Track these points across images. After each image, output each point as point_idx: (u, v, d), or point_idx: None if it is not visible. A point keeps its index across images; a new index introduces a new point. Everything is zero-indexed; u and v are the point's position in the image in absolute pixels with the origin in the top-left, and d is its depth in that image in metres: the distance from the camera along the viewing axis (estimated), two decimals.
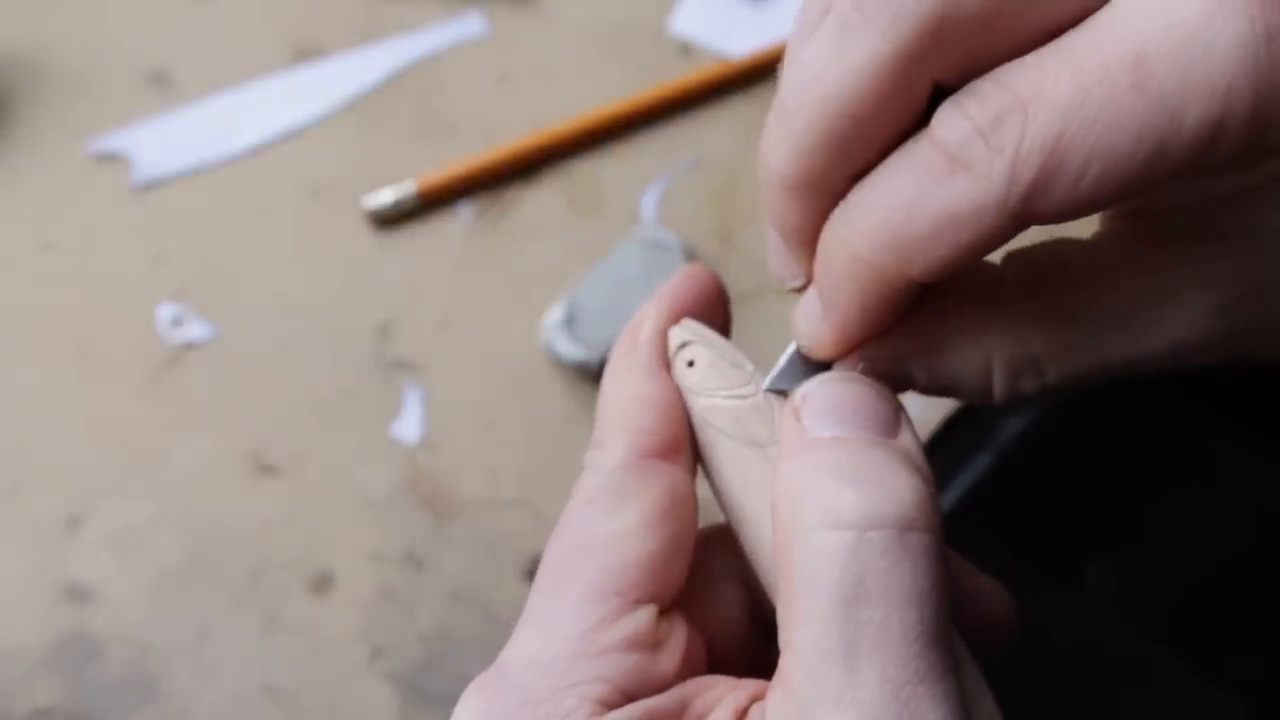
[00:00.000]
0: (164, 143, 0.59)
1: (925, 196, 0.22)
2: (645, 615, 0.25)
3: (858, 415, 0.25)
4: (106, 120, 0.59)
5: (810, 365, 0.27)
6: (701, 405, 0.27)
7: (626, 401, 0.28)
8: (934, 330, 0.26)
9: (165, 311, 0.54)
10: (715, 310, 0.30)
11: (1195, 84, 0.21)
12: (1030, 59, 0.22)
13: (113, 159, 0.59)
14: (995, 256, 0.26)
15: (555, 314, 0.52)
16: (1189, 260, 0.25)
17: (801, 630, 0.22)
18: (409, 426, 0.51)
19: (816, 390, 0.25)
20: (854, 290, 0.25)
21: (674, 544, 0.26)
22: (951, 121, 0.22)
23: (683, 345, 0.28)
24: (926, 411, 0.50)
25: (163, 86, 0.61)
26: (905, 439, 0.25)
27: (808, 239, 0.25)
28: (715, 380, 0.27)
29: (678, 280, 0.30)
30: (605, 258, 0.53)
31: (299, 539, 0.49)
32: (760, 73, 0.60)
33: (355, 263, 0.55)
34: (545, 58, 0.61)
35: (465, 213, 0.56)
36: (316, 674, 0.46)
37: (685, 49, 0.61)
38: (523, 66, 0.61)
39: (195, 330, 0.54)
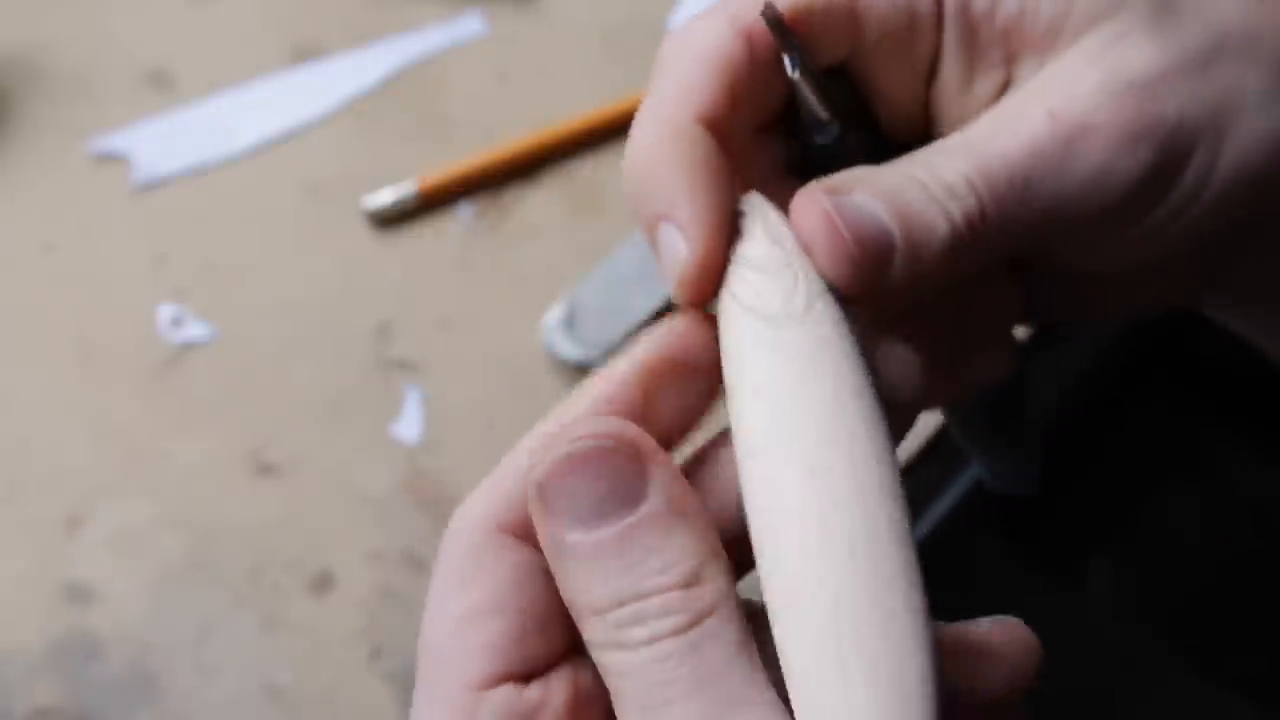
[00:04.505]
0: (164, 143, 0.59)
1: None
2: (500, 696, 0.25)
3: (605, 497, 0.23)
4: (106, 120, 0.59)
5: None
6: (728, 272, 0.26)
7: (517, 463, 0.26)
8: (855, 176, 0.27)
9: (165, 312, 0.54)
10: (697, 363, 0.27)
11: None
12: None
13: (113, 159, 0.59)
14: None
15: (555, 314, 0.52)
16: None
17: None
18: (409, 426, 0.51)
19: (551, 473, 0.24)
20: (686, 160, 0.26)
21: (529, 616, 0.25)
22: None
23: (739, 215, 0.26)
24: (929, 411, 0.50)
25: (163, 86, 0.61)
26: (654, 498, 0.24)
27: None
28: (745, 246, 0.26)
29: (647, 336, 0.27)
30: (605, 258, 0.53)
31: (299, 539, 0.49)
32: None
33: (355, 263, 0.55)
34: (545, 58, 0.61)
35: (465, 213, 0.56)
36: (316, 674, 0.46)
37: None
38: (523, 66, 0.61)
39: (195, 330, 0.54)
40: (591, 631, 0.24)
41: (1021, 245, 0.27)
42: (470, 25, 0.62)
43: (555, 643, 0.26)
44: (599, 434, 0.24)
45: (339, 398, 0.52)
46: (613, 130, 0.58)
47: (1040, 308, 0.31)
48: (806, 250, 0.25)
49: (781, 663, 0.23)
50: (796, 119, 0.29)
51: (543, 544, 0.24)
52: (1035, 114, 0.27)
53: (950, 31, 0.28)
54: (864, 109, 0.30)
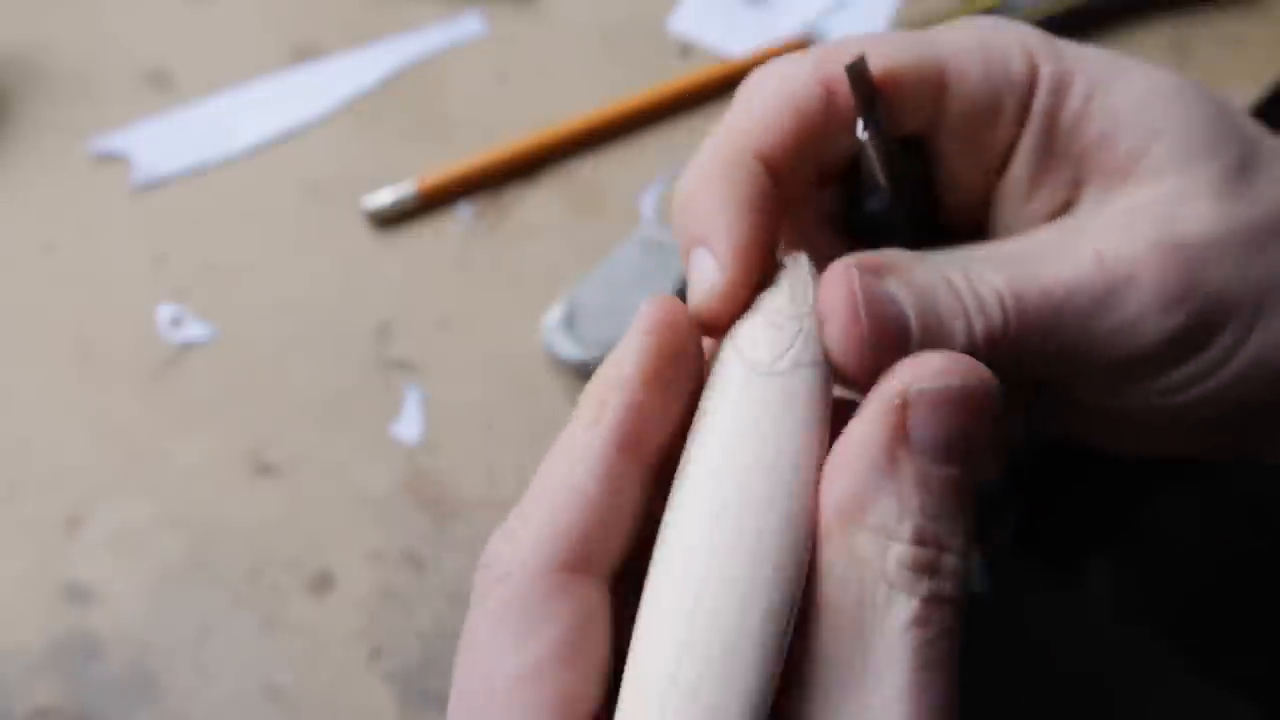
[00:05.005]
0: (164, 143, 0.59)
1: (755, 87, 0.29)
2: None
3: (962, 442, 0.23)
4: (106, 120, 0.59)
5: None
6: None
7: (558, 492, 0.25)
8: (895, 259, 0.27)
9: (165, 311, 0.54)
10: (691, 350, 0.27)
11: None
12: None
13: (113, 159, 0.59)
14: None
15: (555, 314, 0.52)
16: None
17: (874, 693, 0.22)
18: (409, 426, 0.51)
19: (934, 395, 0.23)
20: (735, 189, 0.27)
21: (588, 674, 0.24)
22: None
23: (780, 266, 0.27)
24: None
25: (163, 86, 0.61)
26: (981, 461, 0.24)
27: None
28: (763, 295, 0.26)
29: (644, 331, 0.26)
30: (605, 258, 0.53)
31: (299, 539, 0.49)
32: None
33: (355, 263, 0.55)
34: (545, 58, 0.61)
35: (465, 213, 0.56)
36: (316, 674, 0.46)
37: (685, 49, 0.61)
38: (523, 66, 0.61)
39: (195, 330, 0.54)
40: (861, 548, 0.23)
41: (1035, 370, 0.27)
42: (470, 25, 0.62)
43: (605, 691, 0.24)
44: (984, 378, 0.24)
45: (339, 398, 0.52)
46: (613, 130, 0.58)
47: (1044, 420, 0.31)
48: (821, 320, 0.25)
49: (631, 649, 0.23)
50: (856, 176, 0.29)
51: (863, 441, 0.23)
52: (1083, 252, 0.27)
53: (1030, 134, 0.28)
54: (926, 185, 0.30)
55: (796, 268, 0.27)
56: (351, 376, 0.52)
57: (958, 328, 0.26)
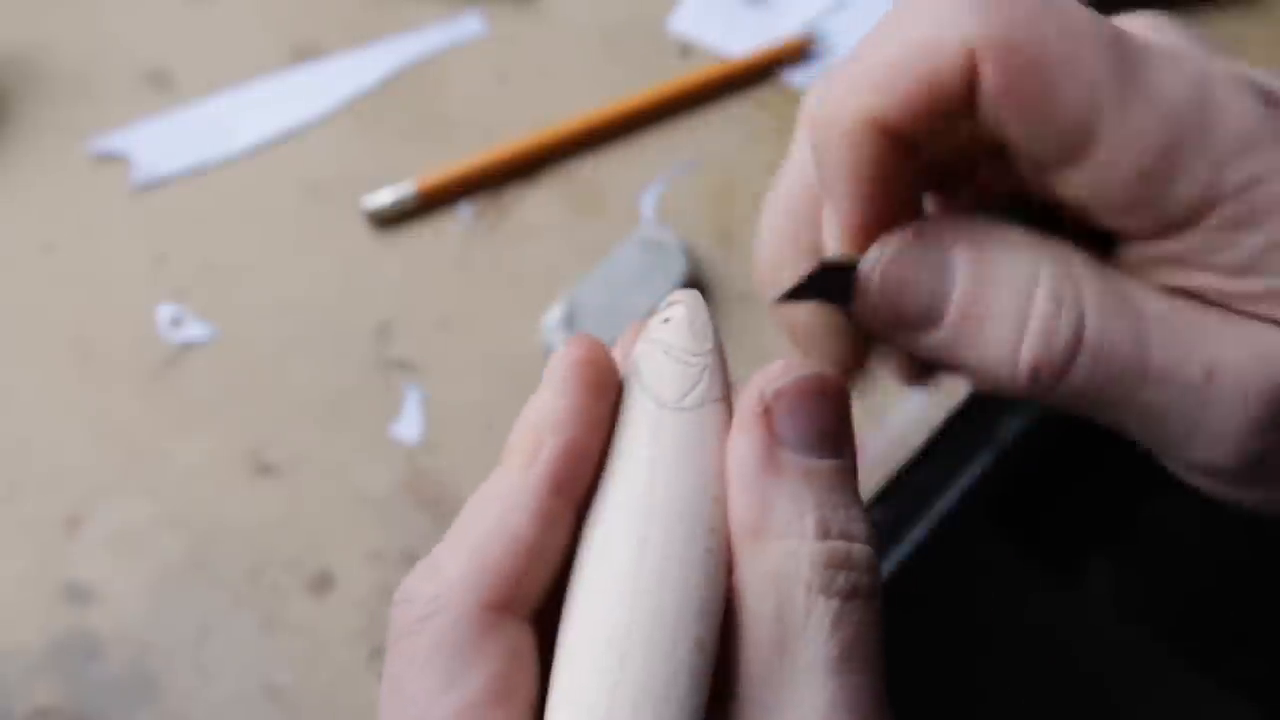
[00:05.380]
0: (164, 143, 0.59)
1: (888, 34, 0.25)
2: None
3: (831, 431, 0.24)
4: (106, 120, 0.59)
5: (830, 278, 0.27)
6: (638, 347, 0.27)
7: (493, 534, 0.24)
8: (984, 233, 0.26)
9: (165, 311, 0.54)
10: (611, 387, 0.26)
11: None
12: None
13: (113, 159, 0.59)
14: None
15: (555, 314, 0.52)
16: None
17: (783, 690, 0.22)
18: (409, 426, 0.51)
19: (790, 389, 0.24)
20: (846, 157, 0.26)
21: (520, 713, 0.23)
22: None
23: (671, 304, 0.27)
24: (928, 410, 0.50)
25: (163, 86, 0.61)
26: (852, 447, 0.24)
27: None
28: (666, 332, 0.26)
29: (570, 370, 0.25)
30: (605, 258, 0.53)
31: (298, 539, 0.49)
32: (760, 73, 0.60)
33: (355, 263, 0.55)
34: (545, 58, 0.61)
35: (465, 213, 0.56)
36: (316, 674, 0.46)
37: (685, 49, 0.61)
38: (522, 66, 0.61)
39: (195, 330, 0.54)
40: (772, 558, 0.23)
41: (1078, 408, 0.26)
42: (470, 25, 0.62)
43: None
44: (831, 377, 0.24)
45: (339, 398, 0.52)
46: (613, 130, 0.58)
47: None
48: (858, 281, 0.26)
49: (554, 676, 0.23)
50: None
51: (750, 449, 0.24)
52: (1196, 355, 0.24)
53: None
54: None
55: (691, 302, 0.27)
56: (351, 376, 0.52)
57: (1004, 356, 0.25)
